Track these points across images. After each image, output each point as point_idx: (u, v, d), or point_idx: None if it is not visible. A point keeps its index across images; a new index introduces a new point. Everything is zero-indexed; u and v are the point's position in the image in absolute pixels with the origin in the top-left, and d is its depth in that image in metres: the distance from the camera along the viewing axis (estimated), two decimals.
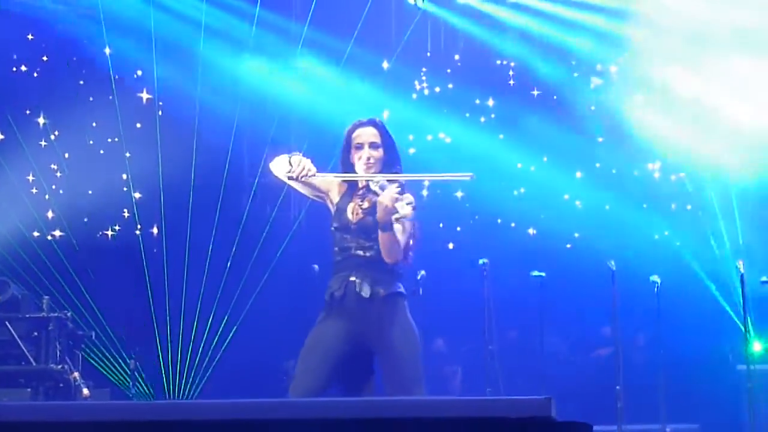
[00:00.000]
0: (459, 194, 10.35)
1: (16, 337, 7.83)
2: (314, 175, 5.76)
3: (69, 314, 8.11)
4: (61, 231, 9.63)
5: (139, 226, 9.86)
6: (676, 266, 9.38)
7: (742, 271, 8.04)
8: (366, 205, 5.79)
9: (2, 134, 9.58)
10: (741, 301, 8.03)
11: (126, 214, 9.90)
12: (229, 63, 10.02)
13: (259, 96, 10.08)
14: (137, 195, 9.87)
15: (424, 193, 9.84)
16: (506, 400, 3.52)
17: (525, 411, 3.42)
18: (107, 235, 9.84)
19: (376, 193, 5.69)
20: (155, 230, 9.92)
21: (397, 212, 5.55)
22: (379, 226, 5.62)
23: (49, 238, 9.55)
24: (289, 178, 5.78)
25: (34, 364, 7.82)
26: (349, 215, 5.80)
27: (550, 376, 8.52)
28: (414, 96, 10.65)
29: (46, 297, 8.13)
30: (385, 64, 10.39)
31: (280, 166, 5.83)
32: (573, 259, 9.92)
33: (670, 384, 8.61)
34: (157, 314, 9.59)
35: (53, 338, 7.88)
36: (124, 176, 9.88)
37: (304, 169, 5.72)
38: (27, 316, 8.01)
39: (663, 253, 9.74)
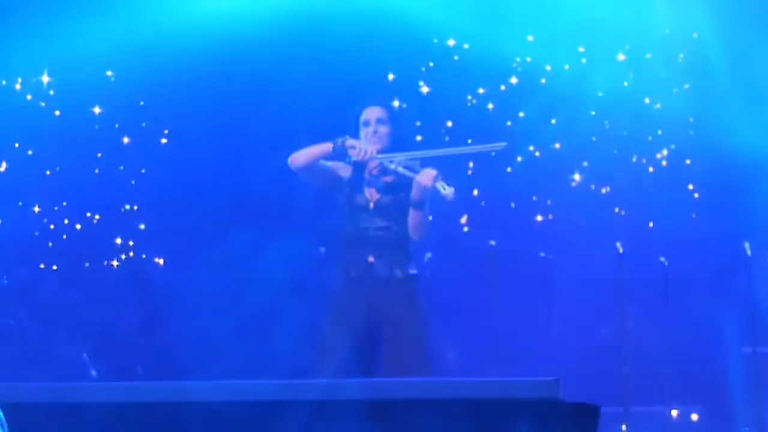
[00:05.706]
0: (475, 192, 10.34)
1: (24, 319, 7.86)
2: (374, 157, 5.73)
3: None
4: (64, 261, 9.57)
5: (143, 255, 9.87)
6: (683, 250, 9.38)
7: (749, 253, 8.04)
8: (387, 181, 5.81)
9: (5, 163, 9.48)
10: (748, 283, 8.03)
11: (131, 243, 9.89)
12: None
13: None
14: (142, 226, 9.90)
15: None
16: (514, 382, 3.53)
17: (533, 392, 3.42)
18: (112, 264, 9.80)
19: (395, 173, 5.72)
20: (161, 261, 9.92)
21: (438, 192, 5.61)
22: (413, 205, 5.68)
23: (54, 268, 9.50)
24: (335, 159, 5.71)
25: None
26: (366, 194, 5.81)
27: (556, 358, 8.52)
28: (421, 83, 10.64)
29: None
30: None
31: (314, 152, 5.77)
32: (580, 243, 9.92)
33: (676, 366, 8.62)
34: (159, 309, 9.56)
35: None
36: (127, 206, 9.88)
37: (367, 152, 5.69)
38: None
39: (670, 238, 9.73)
